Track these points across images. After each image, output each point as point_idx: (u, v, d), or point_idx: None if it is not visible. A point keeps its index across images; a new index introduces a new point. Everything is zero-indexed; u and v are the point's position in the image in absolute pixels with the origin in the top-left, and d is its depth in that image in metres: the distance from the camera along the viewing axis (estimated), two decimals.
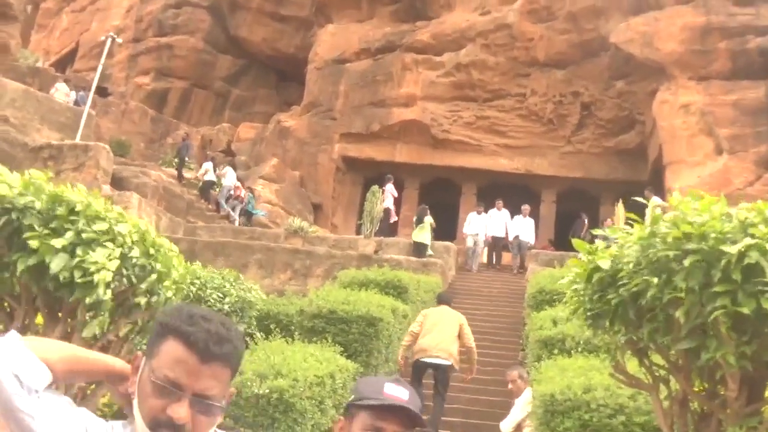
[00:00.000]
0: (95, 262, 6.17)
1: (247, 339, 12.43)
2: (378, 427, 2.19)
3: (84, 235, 6.24)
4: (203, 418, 1.91)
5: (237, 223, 27.46)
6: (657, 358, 5.85)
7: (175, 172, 31.05)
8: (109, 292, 6.32)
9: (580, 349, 11.48)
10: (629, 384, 6.32)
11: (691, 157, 25.52)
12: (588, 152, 30.81)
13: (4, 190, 6.12)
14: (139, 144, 36.87)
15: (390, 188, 26.06)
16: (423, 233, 22.11)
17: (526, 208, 25.88)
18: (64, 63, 48.21)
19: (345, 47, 34.41)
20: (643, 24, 27.10)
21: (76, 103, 30.52)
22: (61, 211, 6.28)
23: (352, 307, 13.10)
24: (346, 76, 33.77)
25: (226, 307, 13.00)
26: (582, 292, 5.80)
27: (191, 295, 12.26)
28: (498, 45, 30.81)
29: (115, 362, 2.11)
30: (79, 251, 6.18)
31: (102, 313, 6.59)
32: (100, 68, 31.70)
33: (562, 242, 25.95)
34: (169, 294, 7.12)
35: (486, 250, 25.55)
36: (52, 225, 6.23)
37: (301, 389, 9.44)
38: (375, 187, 23.82)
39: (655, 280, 4.99)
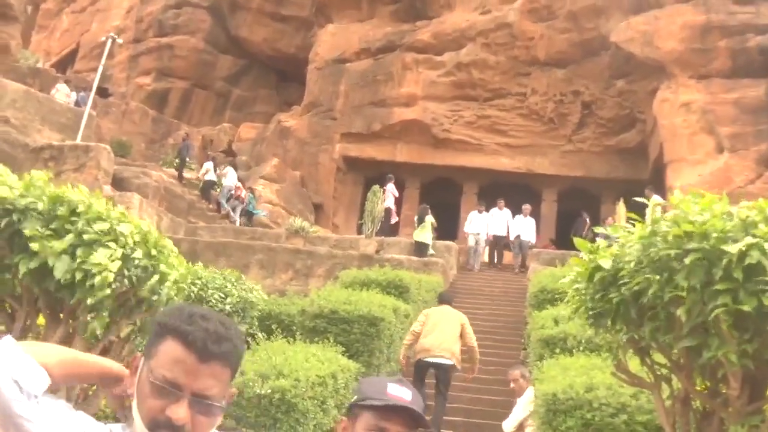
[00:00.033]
0: (97, 263, 6.17)
1: (249, 339, 12.43)
2: (381, 428, 2.19)
3: (85, 236, 6.24)
4: (203, 419, 1.89)
5: (238, 223, 27.47)
6: (659, 357, 5.85)
7: (176, 173, 31.05)
8: (110, 292, 6.32)
9: (581, 348, 11.48)
10: (631, 383, 6.32)
11: (692, 155, 25.51)
12: (589, 151, 30.81)
13: (5, 192, 6.12)
14: (139, 144, 36.87)
15: (391, 188, 26.05)
16: (424, 233, 22.11)
17: (527, 207, 25.87)
18: (64, 64, 48.23)
19: (345, 47, 34.40)
20: (643, 23, 27.09)
21: (77, 103, 30.52)
22: (62, 211, 6.28)
23: (353, 307, 13.11)
24: (347, 76, 33.76)
25: (227, 307, 13.00)
26: (583, 291, 5.80)
27: (193, 295, 12.27)
28: (498, 44, 30.81)
29: (112, 365, 2.09)
30: (79, 252, 6.18)
31: (103, 313, 6.59)
32: (100, 69, 31.69)
33: (563, 241, 25.95)
34: (172, 294, 7.12)
35: (487, 249, 25.54)
36: (53, 226, 6.23)
37: (303, 389, 9.44)
38: (376, 187, 23.82)
39: (657, 278, 4.99)
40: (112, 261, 6.30)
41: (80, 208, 6.36)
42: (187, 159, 31.85)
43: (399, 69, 32.42)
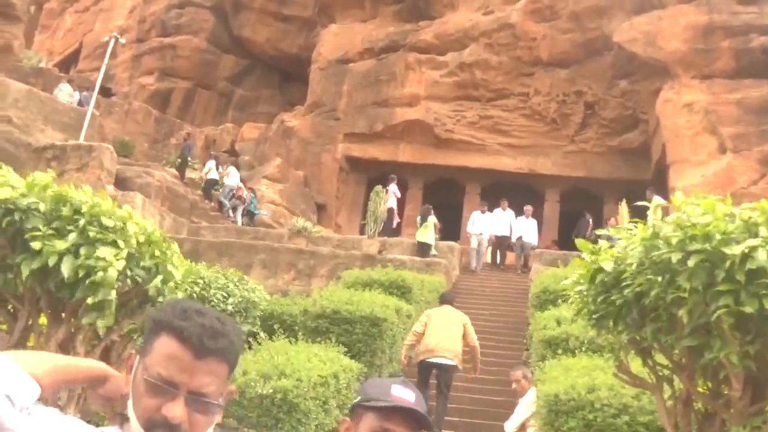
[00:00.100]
0: (102, 258, 6.17)
1: (251, 339, 12.43)
2: (385, 428, 2.19)
3: (90, 234, 6.24)
4: (200, 417, 1.83)
5: (240, 223, 27.51)
6: (661, 358, 5.85)
7: (178, 173, 31.08)
8: (113, 292, 6.33)
9: (584, 349, 11.47)
10: (633, 384, 6.33)
11: (695, 156, 25.49)
12: (591, 151, 30.81)
13: (7, 193, 6.12)
14: (142, 144, 36.90)
15: (393, 188, 26.03)
16: (427, 233, 22.09)
17: (528, 208, 25.84)
18: (67, 63, 48.30)
19: (348, 47, 34.42)
20: (646, 23, 27.08)
21: (80, 103, 30.56)
22: (65, 211, 6.28)
23: (355, 307, 13.11)
24: (350, 76, 33.77)
25: (230, 307, 13.01)
26: (585, 293, 5.80)
27: (195, 295, 12.27)
28: (501, 44, 30.81)
29: (97, 366, 2.05)
30: (83, 251, 6.18)
31: (106, 312, 6.59)
32: (103, 68, 31.69)
33: (566, 242, 25.94)
34: (179, 294, 7.12)
35: (489, 249, 25.53)
36: (55, 225, 6.23)
37: (305, 389, 9.44)
38: (379, 187, 23.82)
39: (659, 280, 4.99)
40: (118, 260, 6.31)
41: (84, 208, 6.37)
42: (190, 159, 31.85)
43: (402, 69, 32.43)
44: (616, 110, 29.93)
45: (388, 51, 33.43)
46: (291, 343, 11.60)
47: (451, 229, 29.20)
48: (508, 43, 30.74)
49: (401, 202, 28.67)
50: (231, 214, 28.17)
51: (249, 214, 28.58)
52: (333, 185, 33.00)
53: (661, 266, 5.05)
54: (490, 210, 25.62)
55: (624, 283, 5.31)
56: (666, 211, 5.47)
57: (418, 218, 23.60)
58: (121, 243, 6.39)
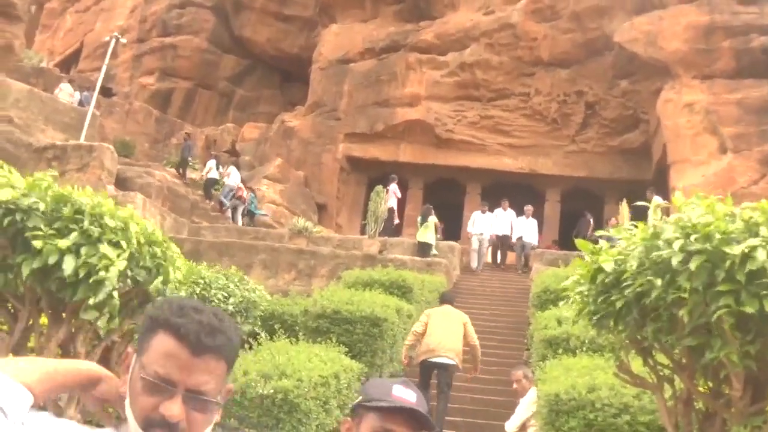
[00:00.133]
0: (105, 256, 6.17)
1: (252, 339, 12.43)
2: (386, 429, 2.19)
3: (92, 234, 6.24)
4: (198, 416, 1.80)
5: (240, 223, 27.53)
6: (661, 358, 5.86)
7: (180, 172, 31.09)
8: (115, 292, 6.33)
9: (584, 349, 11.47)
10: (634, 383, 6.32)
11: (696, 156, 25.49)
12: (592, 151, 30.81)
13: (8, 194, 6.12)
14: (143, 144, 36.90)
15: (394, 188, 26.02)
16: (427, 233, 22.08)
17: (528, 208, 25.83)
18: (68, 63, 48.31)
19: (349, 47, 34.42)
20: (647, 23, 27.08)
21: (80, 103, 30.58)
22: (66, 211, 6.29)
23: (356, 308, 13.11)
24: (350, 76, 33.78)
25: (230, 307, 13.02)
26: (586, 293, 5.80)
27: (196, 295, 12.28)
28: (502, 44, 30.80)
29: (89, 367, 2.02)
30: (84, 250, 6.18)
31: (106, 312, 6.60)
32: (104, 68, 31.71)
33: (566, 242, 25.93)
34: (181, 294, 7.12)
35: (490, 249, 25.52)
36: (57, 225, 6.24)
37: (306, 389, 9.44)
38: (379, 187, 23.80)
39: (659, 281, 4.99)
40: (120, 259, 6.31)
41: (86, 208, 6.37)
42: (190, 159, 31.85)
43: (402, 69, 32.44)
44: (617, 110, 29.93)
45: (389, 51, 33.43)
46: (292, 343, 11.61)
47: (452, 229, 29.20)
48: (508, 43, 30.73)
49: (402, 202, 28.66)
50: (230, 214, 28.18)
51: (249, 214, 28.60)
52: (333, 185, 33.01)
53: (661, 266, 5.05)
54: (491, 210, 25.61)
55: (624, 284, 5.31)
56: (667, 211, 5.47)
57: (419, 218, 23.60)
58: (123, 243, 6.40)
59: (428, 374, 12.40)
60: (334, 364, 10.77)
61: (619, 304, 5.37)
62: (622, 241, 5.61)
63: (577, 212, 27.44)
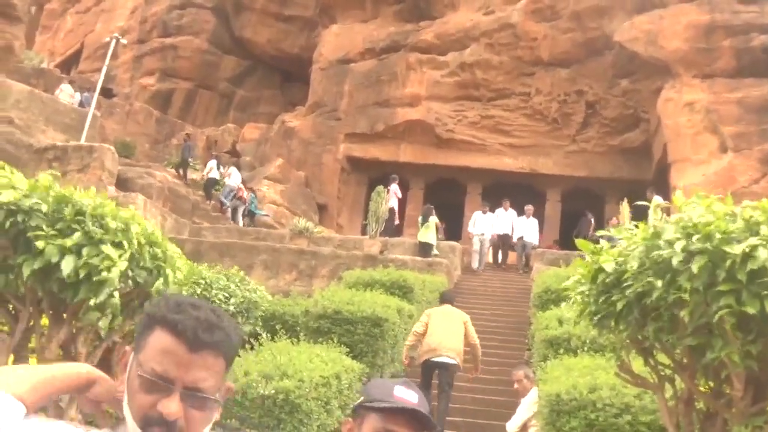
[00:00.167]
0: (108, 256, 6.17)
1: (253, 340, 12.43)
2: (388, 429, 2.19)
3: (96, 235, 6.24)
4: (197, 413, 1.77)
5: (241, 224, 27.55)
6: (662, 358, 5.85)
7: (180, 173, 31.09)
8: (116, 292, 6.34)
9: (585, 349, 11.47)
10: (635, 383, 6.32)
11: (696, 155, 25.48)
12: (593, 151, 30.80)
13: (10, 196, 6.11)
14: (143, 145, 36.91)
15: (395, 188, 26.01)
16: (428, 233, 22.07)
17: (529, 208, 25.81)
18: (68, 64, 48.29)
19: (349, 47, 34.42)
20: (647, 22, 27.08)
21: (81, 104, 30.59)
22: (67, 212, 6.29)
23: (357, 308, 13.11)
24: (351, 77, 33.78)
25: (231, 307, 13.03)
26: (587, 293, 5.80)
27: (197, 295, 12.28)
28: (502, 44, 30.80)
29: (80, 370, 1.93)
30: (86, 251, 6.18)
31: (109, 313, 6.60)
32: (104, 69, 31.71)
33: (567, 241, 25.92)
34: (184, 294, 7.12)
35: (491, 249, 25.50)
36: (58, 226, 6.24)
37: (307, 390, 9.44)
38: (380, 187, 23.78)
39: (660, 281, 4.99)
40: (121, 260, 6.31)
41: (87, 209, 6.37)
42: (190, 159, 31.87)
43: (403, 69, 32.44)
44: (617, 110, 29.93)
45: (389, 51, 33.43)
46: (293, 343, 11.61)
47: (453, 229, 29.23)
48: (509, 43, 30.73)
49: (402, 203, 28.65)
50: (230, 214, 28.19)
51: (250, 215, 28.62)
52: (334, 185, 33.01)
53: (662, 266, 5.05)
54: (492, 210, 25.59)
55: (625, 284, 5.30)
56: (668, 211, 5.47)
57: (420, 218, 23.59)
58: (124, 243, 6.40)
59: (430, 374, 12.39)
60: (335, 364, 10.77)
61: (620, 304, 5.37)
62: (622, 241, 5.61)
63: (577, 212, 27.43)
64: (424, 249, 21.73)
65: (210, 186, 29.53)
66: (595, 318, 5.77)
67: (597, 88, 29.95)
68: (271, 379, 9.45)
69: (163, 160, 34.87)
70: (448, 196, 31.63)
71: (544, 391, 9.31)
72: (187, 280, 7.41)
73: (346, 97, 33.45)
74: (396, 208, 25.89)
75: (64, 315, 6.67)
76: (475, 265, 24.04)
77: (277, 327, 13.28)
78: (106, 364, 7.13)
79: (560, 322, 12.69)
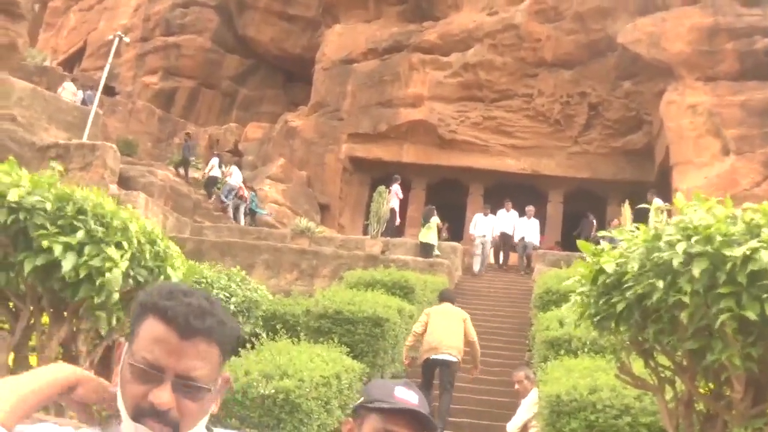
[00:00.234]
0: (110, 257, 6.17)
1: (253, 339, 12.43)
2: (388, 430, 2.19)
3: (99, 234, 6.24)
4: (190, 404, 1.72)
5: (242, 223, 27.57)
6: (662, 359, 5.86)
7: (181, 171, 31.11)
8: (116, 294, 6.34)
9: (586, 350, 11.47)
10: (635, 385, 6.33)
11: (698, 157, 25.48)
12: (595, 153, 30.80)
13: (16, 195, 6.10)
14: (146, 143, 36.94)
15: (396, 188, 26.01)
16: (430, 233, 22.08)
17: (530, 209, 25.77)
18: (71, 62, 48.30)
19: (352, 47, 34.42)
20: (650, 24, 27.08)
21: (84, 102, 30.60)
22: (69, 210, 6.28)
23: (358, 308, 13.10)
24: (354, 77, 33.78)
25: (232, 307, 13.03)
26: (587, 294, 5.80)
27: None
28: (505, 45, 30.80)
29: (64, 374, 1.86)
30: (87, 250, 6.18)
31: (111, 312, 6.60)
32: (107, 67, 31.74)
33: (569, 243, 25.91)
34: None
35: (492, 250, 25.47)
36: (60, 223, 6.23)
37: (307, 390, 9.44)
38: (381, 188, 23.77)
39: (660, 283, 4.99)
40: (123, 260, 6.31)
41: (88, 207, 6.36)
42: (192, 158, 31.88)
43: (406, 69, 32.43)
44: (620, 111, 29.92)
45: (392, 51, 33.42)
46: (293, 343, 11.60)
47: (455, 229, 29.23)
48: (512, 44, 30.73)
49: (404, 203, 28.66)
50: (232, 213, 28.21)
51: (251, 213, 28.64)
52: (336, 185, 33.01)
53: (662, 268, 5.05)
54: (494, 212, 25.57)
55: (626, 285, 5.30)
56: (669, 213, 5.48)
57: (422, 219, 23.58)
58: (125, 243, 6.40)
59: (431, 373, 12.39)
60: (335, 364, 10.77)
61: (620, 306, 5.37)
62: (623, 243, 5.61)
63: (579, 213, 27.45)
64: (426, 249, 21.73)
65: (211, 184, 29.55)
66: (595, 319, 5.77)
67: (600, 89, 29.94)
68: (272, 378, 9.44)
69: (166, 158, 34.90)
70: (450, 197, 31.65)
71: (545, 392, 9.31)
72: (187, 278, 7.40)
73: (349, 97, 33.45)
74: (397, 209, 25.89)
75: (65, 313, 6.67)
76: (476, 268, 23.91)
77: (278, 326, 13.27)
78: (106, 362, 7.14)
79: (561, 324, 12.69)
